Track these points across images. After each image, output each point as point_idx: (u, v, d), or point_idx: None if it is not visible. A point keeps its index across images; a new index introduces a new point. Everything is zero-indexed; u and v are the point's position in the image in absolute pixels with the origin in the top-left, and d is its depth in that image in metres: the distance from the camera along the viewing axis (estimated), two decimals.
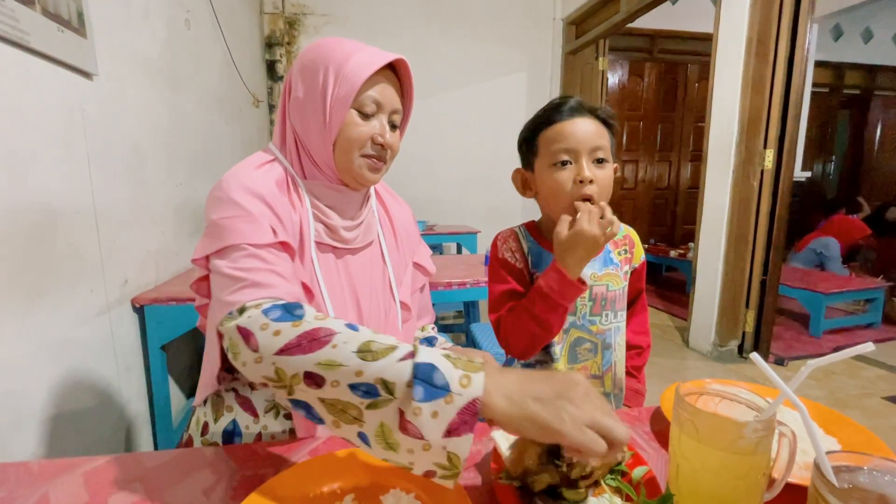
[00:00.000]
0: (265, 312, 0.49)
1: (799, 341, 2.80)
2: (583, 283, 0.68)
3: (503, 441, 0.51)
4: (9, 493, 0.49)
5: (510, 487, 0.47)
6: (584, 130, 0.74)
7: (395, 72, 0.67)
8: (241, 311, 0.51)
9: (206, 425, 0.70)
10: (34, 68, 1.00)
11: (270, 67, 3.37)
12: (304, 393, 0.44)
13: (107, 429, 1.24)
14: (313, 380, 0.43)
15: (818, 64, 4.76)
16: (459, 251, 3.22)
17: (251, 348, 0.47)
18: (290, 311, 0.49)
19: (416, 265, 0.82)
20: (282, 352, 0.45)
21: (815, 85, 4.76)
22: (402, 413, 0.40)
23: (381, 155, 0.66)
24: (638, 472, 0.47)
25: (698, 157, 4.29)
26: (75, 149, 1.13)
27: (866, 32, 5.03)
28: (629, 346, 0.89)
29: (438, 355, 0.42)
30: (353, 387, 0.41)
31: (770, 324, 2.48)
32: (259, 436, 0.66)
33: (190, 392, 1.74)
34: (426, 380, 0.40)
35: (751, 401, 0.44)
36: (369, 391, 0.41)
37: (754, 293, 2.43)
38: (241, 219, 0.57)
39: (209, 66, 2.13)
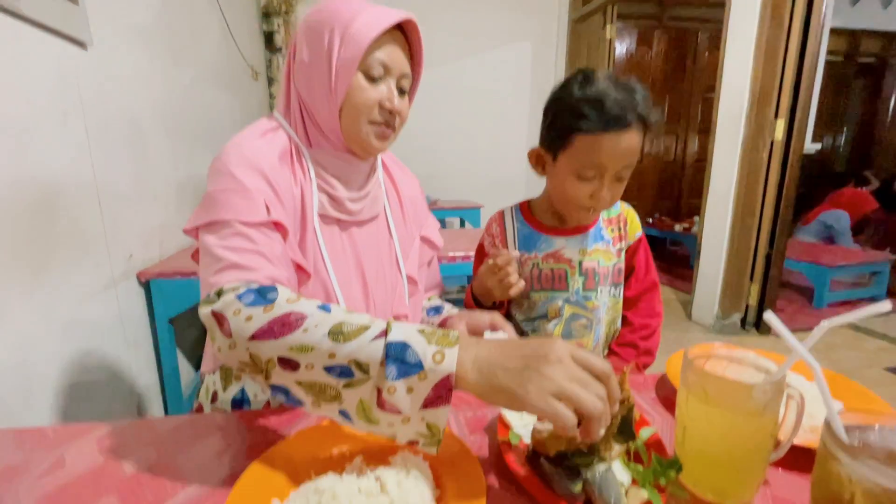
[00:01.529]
0: (239, 297, 0.48)
1: (802, 314, 2.81)
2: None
3: (510, 412, 0.52)
4: (25, 456, 0.50)
5: (517, 450, 0.47)
6: (622, 150, 0.69)
7: (404, 35, 0.64)
8: (219, 294, 0.50)
9: (215, 394, 0.71)
10: (26, 37, 0.97)
11: (269, 39, 3.28)
12: (281, 377, 0.45)
13: (118, 401, 1.27)
14: (288, 364, 0.43)
15: (832, 31, 4.59)
16: (462, 226, 3.21)
17: (224, 334, 0.47)
18: (264, 295, 0.48)
19: (424, 239, 0.80)
20: (254, 337, 0.45)
21: (829, 53, 4.60)
22: (379, 391, 0.40)
23: (388, 122, 0.64)
24: (644, 433, 0.47)
25: (706, 129, 4.20)
26: (73, 121, 1.11)
27: None
28: (637, 328, 0.87)
29: (412, 331, 0.42)
30: (327, 369, 0.42)
31: (774, 297, 2.48)
32: (267, 404, 0.67)
33: (198, 365, 1.77)
34: (399, 358, 0.40)
35: (759, 364, 0.44)
36: (344, 372, 0.41)
37: (759, 266, 2.42)
38: (236, 193, 0.56)
39: (206, 36, 2.08)
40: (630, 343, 0.84)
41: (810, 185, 4.64)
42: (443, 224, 3.30)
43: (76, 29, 1.11)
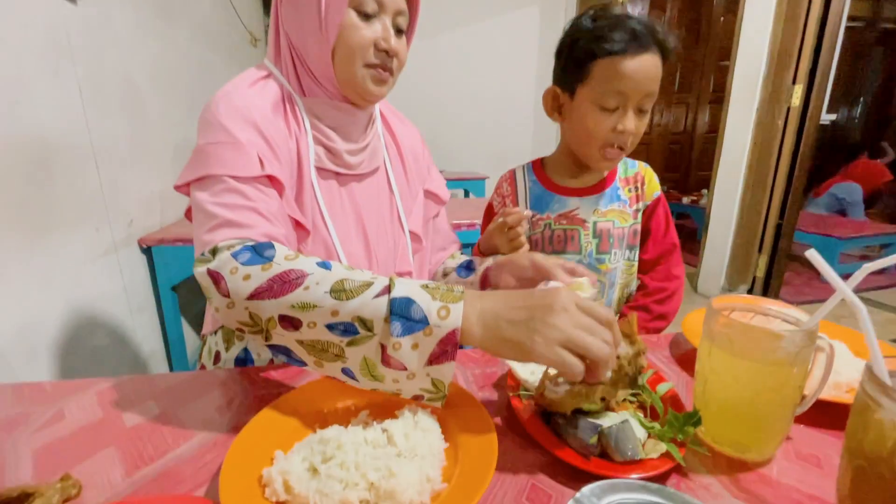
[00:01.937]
0: (234, 255, 0.46)
1: (809, 286, 2.78)
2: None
3: (520, 368, 0.50)
4: (24, 409, 0.49)
5: (528, 404, 0.46)
6: (644, 74, 0.67)
7: None
8: (213, 252, 0.48)
9: (217, 354, 0.69)
10: None
11: (267, 3, 3.16)
12: (282, 336, 0.44)
13: (124, 367, 1.27)
14: (290, 322, 0.42)
15: None
16: (467, 197, 3.16)
17: (222, 293, 0.45)
18: (260, 252, 0.46)
19: (428, 193, 0.77)
20: (253, 296, 0.43)
21: (849, 18, 4.40)
22: (383, 347, 0.40)
23: (385, 64, 0.59)
24: (661, 389, 0.46)
25: (718, 99, 4.07)
26: (65, 78, 1.07)
27: None
28: (652, 291, 0.83)
29: (416, 287, 0.41)
30: (330, 326, 0.41)
31: (782, 269, 2.45)
32: (271, 361, 0.66)
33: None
34: (403, 314, 0.39)
35: (787, 314, 0.41)
36: (347, 329, 0.41)
37: (768, 238, 2.38)
38: (228, 146, 0.53)
39: None
40: (643, 306, 0.82)
41: (823, 156, 4.53)
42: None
43: None
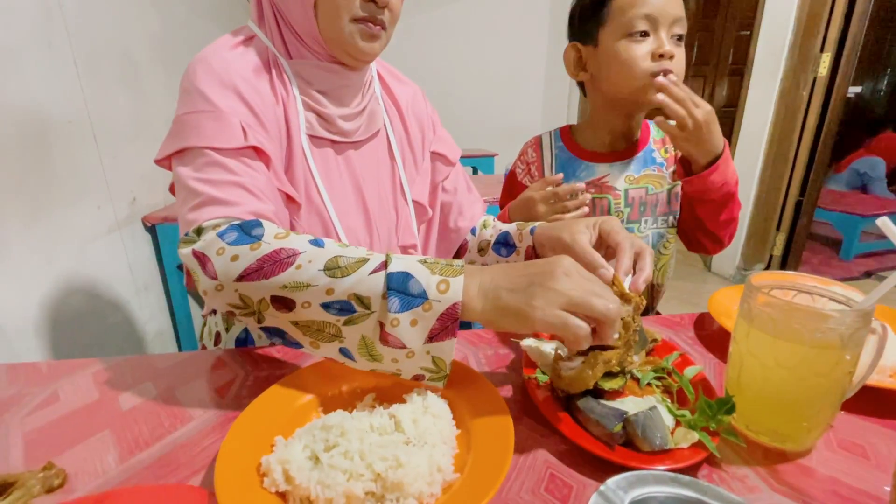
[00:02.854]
0: (221, 235, 0.43)
1: (828, 265, 2.70)
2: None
3: (533, 344, 0.47)
4: (18, 390, 0.47)
5: (545, 388, 0.43)
6: None
7: None
8: (198, 232, 0.45)
9: (218, 335, 0.67)
10: None
11: None
12: (275, 318, 0.41)
13: (131, 346, 1.26)
14: (283, 303, 0.40)
15: None
16: (476, 174, 3.10)
17: (209, 275, 0.42)
18: (248, 231, 0.43)
19: (435, 154, 0.71)
20: (242, 277, 0.41)
21: None
22: (381, 325, 0.38)
23: (375, 16, 0.53)
24: (689, 372, 0.42)
25: (738, 71, 3.91)
26: (59, 51, 1.03)
27: None
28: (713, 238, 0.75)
29: (414, 262, 0.39)
30: (325, 306, 0.39)
31: (800, 247, 2.38)
32: (272, 343, 0.64)
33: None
34: (401, 290, 0.38)
35: (835, 293, 0.37)
36: (344, 308, 0.39)
37: (787, 215, 2.31)
38: (207, 115, 0.48)
39: None
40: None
41: (845, 130, 4.36)
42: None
43: None
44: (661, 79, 0.63)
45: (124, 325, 1.24)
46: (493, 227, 0.70)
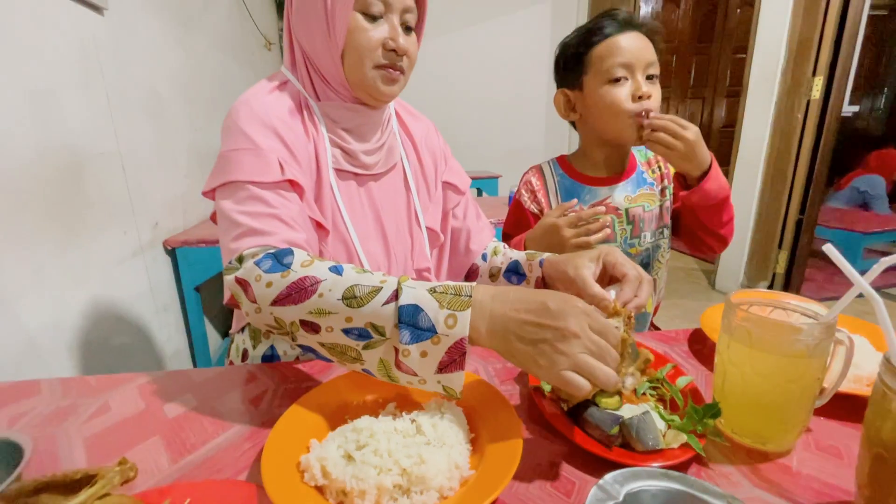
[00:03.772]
0: (258, 263, 0.48)
1: (831, 283, 2.72)
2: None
3: None
4: (72, 402, 0.52)
5: (549, 396, 0.47)
6: (638, 45, 0.72)
7: None
8: (240, 260, 0.50)
9: (245, 352, 0.72)
10: (45, 2, 0.96)
11: (280, 7, 3.21)
12: (306, 338, 0.46)
13: (150, 365, 1.31)
14: (310, 326, 0.44)
15: None
16: (480, 196, 3.17)
17: (250, 299, 0.48)
18: (280, 260, 0.48)
19: (447, 184, 0.77)
20: (275, 302, 0.46)
21: (872, 7, 4.28)
22: (396, 351, 0.41)
23: (395, 63, 0.60)
24: (681, 382, 0.47)
25: (735, 92, 4.00)
26: (94, 88, 1.11)
27: None
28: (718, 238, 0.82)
29: (423, 293, 0.41)
30: (346, 331, 0.43)
31: (803, 264, 2.41)
32: (297, 360, 0.68)
33: (225, 331, 1.82)
34: (411, 323, 0.40)
35: (805, 308, 0.42)
36: (362, 334, 0.42)
37: (788, 233, 2.34)
38: (249, 152, 0.55)
39: (218, 4, 2.04)
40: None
41: (845, 149, 4.42)
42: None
43: None
44: (645, 121, 0.71)
45: (145, 344, 1.29)
46: (504, 255, 0.76)
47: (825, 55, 2.09)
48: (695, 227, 0.82)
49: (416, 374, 0.41)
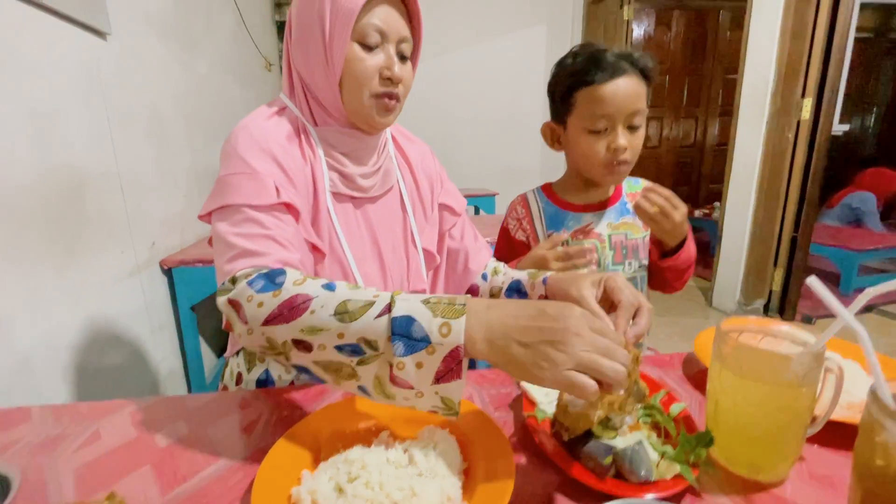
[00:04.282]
0: (250, 284, 0.48)
1: None
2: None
3: (534, 389, 0.51)
4: (63, 430, 0.52)
5: (543, 425, 0.47)
6: (623, 95, 0.72)
7: None
8: (233, 281, 0.50)
9: (239, 375, 0.72)
10: (49, 27, 0.98)
11: (281, 28, 3.28)
12: (299, 357, 0.45)
13: (144, 385, 1.30)
14: (303, 345, 0.44)
15: (863, 6, 4.39)
16: (477, 213, 3.19)
17: (242, 320, 0.47)
18: (272, 279, 0.48)
19: (443, 206, 0.77)
20: (267, 322, 0.45)
21: (858, 30, 4.40)
22: (390, 366, 0.40)
23: (391, 92, 0.61)
24: (674, 409, 0.47)
25: (727, 112, 4.08)
26: (95, 111, 1.13)
27: None
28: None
29: (417, 304, 0.41)
30: (339, 348, 0.42)
31: (799, 282, 2.42)
32: (291, 384, 0.68)
33: (220, 351, 1.80)
34: (404, 334, 0.39)
35: (795, 336, 0.42)
36: (355, 350, 0.41)
37: (783, 251, 2.36)
38: (245, 176, 0.55)
39: (220, 27, 2.08)
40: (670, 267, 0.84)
41: (837, 166, 4.49)
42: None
43: (96, 19, 1.12)
44: (642, 202, 0.72)
45: (139, 364, 1.28)
46: (504, 274, 0.76)
47: (813, 77, 2.14)
48: (656, 274, 0.87)
49: (412, 387, 0.40)
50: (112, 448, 0.48)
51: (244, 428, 0.51)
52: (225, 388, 0.74)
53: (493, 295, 0.75)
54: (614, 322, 0.52)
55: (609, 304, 0.57)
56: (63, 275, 0.98)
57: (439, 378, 0.39)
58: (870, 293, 0.33)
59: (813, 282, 0.35)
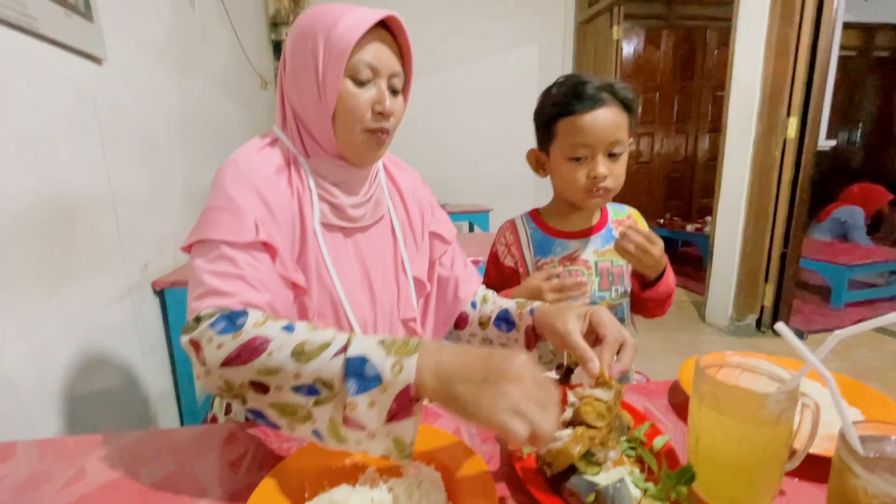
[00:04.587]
0: (211, 325, 0.48)
1: (820, 314, 2.75)
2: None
3: None
4: (48, 466, 0.51)
5: (528, 460, 0.47)
6: (603, 125, 0.74)
7: (391, 32, 0.62)
8: (197, 320, 0.50)
9: (228, 405, 0.72)
10: (44, 55, 1.00)
11: (277, 48, 3.32)
12: (255, 400, 0.46)
13: (134, 408, 1.29)
14: (259, 387, 0.44)
15: (846, 25, 4.52)
16: (472, 230, 3.21)
17: (200, 361, 0.48)
18: (233, 321, 0.48)
19: (433, 234, 0.78)
20: (225, 364, 0.45)
21: (842, 48, 4.53)
22: (345, 406, 0.41)
23: (383, 127, 0.63)
24: (658, 442, 0.47)
25: (717, 128, 4.16)
26: (90, 135, 1.14)
27: None
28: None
29: (372, 344, 0.42)
30: (295, 389, 0.43)
31: (789, 297, 2.44)
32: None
33: None
34: (358, 373, 0.40)
35: (772, 372, 0.43)
36: (311, 390, 0.42)
37: (774, 266, 2.39)
38: (227, 211, 0.56)
39: (216, 47, 2.12)
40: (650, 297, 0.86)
41: (825, 181, 4.57)
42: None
43: (92, 45, 1.14)
44: (622, 242, 0.74)
45: (130, 386, 1.27)
46: (493, 303, 0.77)
47: (798, 96, 2.19)
48: (637, 302, 0.90)
49: (364, 428, 0.40)
50: (97, 485, 0.48)
51: (231, 463, 0.51)
52: (214, 417, 0.74)
53: (482, 323, 0.76)
54: (599, 356, 0.53)
55: (594, 337, 0.58)
56: (52, 301, 0.98)
57: (392, 416, 0.40)
58: (838, 336, 0.34)
59: (781, 328, 0.36)
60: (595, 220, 0.87)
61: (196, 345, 0.48)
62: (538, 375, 0.40)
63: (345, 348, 0.42)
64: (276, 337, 0.46)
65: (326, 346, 0.43)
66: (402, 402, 0.40)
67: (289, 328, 0.47)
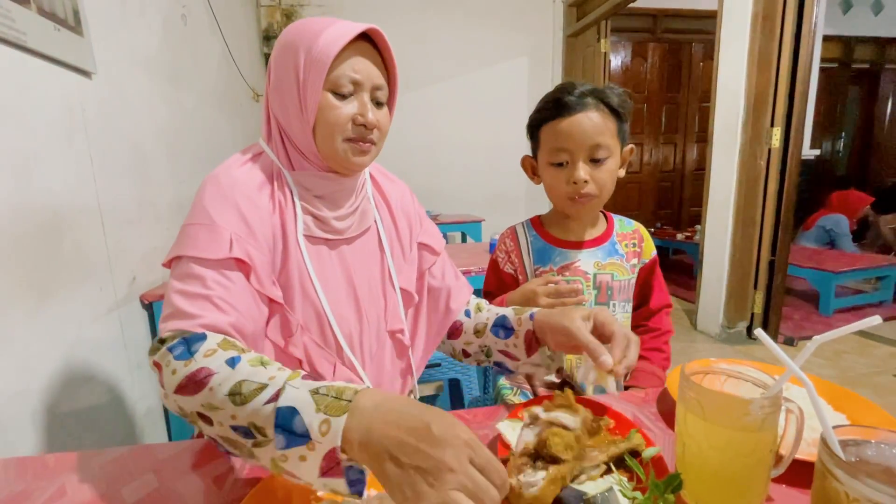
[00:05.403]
0: (170, 349, 0.48)
1: (809, 321, 2.78)
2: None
3: (509, 431, 0.51)
4: (27, 486, 0.50)
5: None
6: (582, 130, 0.74)
7: (375, 46, 0.62)
8: (161, 342, 0.50)
9: None
10: (33, 68, 1.00)
11: (268, 59, 3.34)
12: (205, 429, 0.45)
13: (121, 423, 1.26)
14: (205, 419, 0.44)
15: (826, 38, 4.65)
16: (464, 240, 3.22)
17: (161, 384, 0.48)
18: (189, 346, 0.48)
19: (422, 245, 0.78)
20: (177, 391, 0.45)
21: (823, 60, 4.66)
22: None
23: (364, 136, 0.62)
24: (648, 453, 0.47)
25: (704, 138, 4.24)
26: (78, 149, 1.13)
27: (876, 4, 4.87)
28: (661, 333, 0.88)
29: (304, 394, 0.40)
30: (234, 428, 0.42)
31: (779, 304, 2.47)
32: None
33: None
34: (286, 427, 0.39)
35: (757, 378, 0.44)
36: (247, 433, 0.41)
37: (762, 274, 2.41)
38: (203, 227, 0.55)
39: (207, 61, 2.13)
40: (656, 348, 0.85)
41: (812, 190, 4.66)
42: (444, 238, 3.31)
43: (81, 59, 1.14)
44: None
45: (116, 403, 1.25)
46: (488, 310, 0.76)
47: (781, 107, 2.24)
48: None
49: (298, 479, 0.39)
50: None
51: (214, 479, 0.50)
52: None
53: (478, 332, 0.75)
54: (611, 352, 0.54)
55: (599, 337, 0.59)
56: (37, 316, 0.96)
57: (324, 473, 0.38)
58: (818, 341, 0.35)
59: (760, 334, 0.36)
60: (598, 231, 0.86)
61: (159, 367, 0.48)
62: (478, 458, 0.36)
63: (277, 395, 0.41)
64: (219, 371, 0.45)
65: (262, 388, 0.42)
66: (330, 463, 0.37)
67: (233, 361, 0.45)
